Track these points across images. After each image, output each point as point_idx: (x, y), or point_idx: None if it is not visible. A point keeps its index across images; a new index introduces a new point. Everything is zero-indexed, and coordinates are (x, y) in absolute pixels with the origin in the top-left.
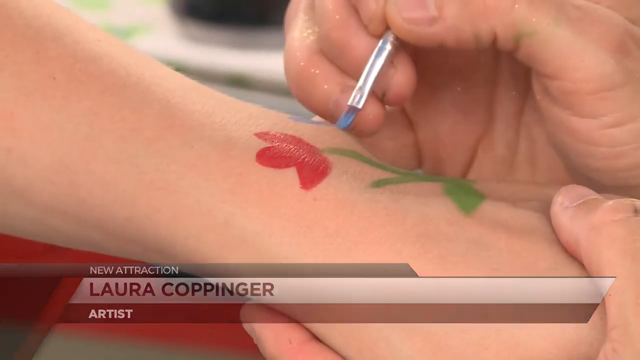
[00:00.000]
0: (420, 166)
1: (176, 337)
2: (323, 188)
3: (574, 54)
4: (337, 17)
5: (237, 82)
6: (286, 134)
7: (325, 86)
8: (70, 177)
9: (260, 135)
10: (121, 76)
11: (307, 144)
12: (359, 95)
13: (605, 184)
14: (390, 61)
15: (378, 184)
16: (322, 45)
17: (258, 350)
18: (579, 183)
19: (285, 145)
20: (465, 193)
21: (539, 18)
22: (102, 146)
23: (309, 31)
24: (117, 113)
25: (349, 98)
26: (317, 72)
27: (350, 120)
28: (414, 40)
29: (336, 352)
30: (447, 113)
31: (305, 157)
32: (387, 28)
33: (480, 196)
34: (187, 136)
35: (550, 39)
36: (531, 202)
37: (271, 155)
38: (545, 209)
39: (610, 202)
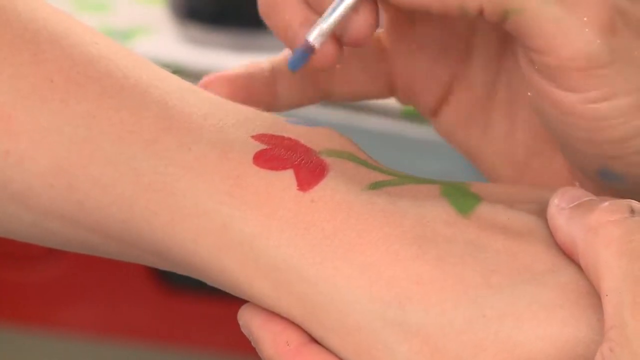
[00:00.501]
0: (391, 95)
1: (174, 338)
2: (320, 190)
3: (561, 33)
4: None
5: None
6: (283, 136)
7: (287, 16)
8: (68, 180)
9: (258, 138)
10: (119, 78)
11: (304, 146)
12: (316, 34)
13: (584, 151)
14: (355, 5)
15: (375, 186)
16: None
17: (256, 352)
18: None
19: (283, 148)
20: (462, 195)
21: None
22: (99, 148)
23: None
24: (114, 115)
25: (307, 32)
26: (283, 0)
27: (305, 59)
28: (399, 3)
29: (334, 355)
30: (425, 47)
31: (303, 159)
32: None
33: (477, 198)
34: (184, 138)
35: (538, 17)
36: (528, 204)
37: (268, 158)
38: (541, 211)
39: (607, 203)
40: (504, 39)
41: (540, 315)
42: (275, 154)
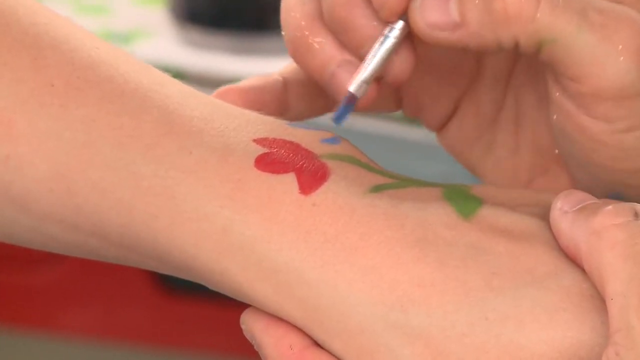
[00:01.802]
0: (398, 109)
1: (174, 341)
2: (322, 193)
3: (596, 62)
4: None
5: None
6: (284, 140)
7: (323, 57)
8: (67, 185)
9: (259, 141)
10: (119, 83)
11: (306, 150)
12: (360, 84)
13: (599, 176)
14: (394, 48)
15: (377, 189)
16: (325, 15)
17: (256, 355)
18: (562, 156)
19: (284, 151)
20: (464, 198)
21: (562, 25)
22: (99, 153)
23: None
24: (115, 120)
25: (345, 73)
26: (317, 40)
27: (350, 110)
28: (437, 43)
29: (337, 358)
30: (436, 64)
31: (304, 163)
32: (398, 17)
33: (479, 201)
34: (185, 142)
35: (572, 47)
36: (530, 207)
37: (270, 161)
38: (544, 214)
39: (610, 207)
40: (513, 58)
41: (542, 319)
42: (276, 157)
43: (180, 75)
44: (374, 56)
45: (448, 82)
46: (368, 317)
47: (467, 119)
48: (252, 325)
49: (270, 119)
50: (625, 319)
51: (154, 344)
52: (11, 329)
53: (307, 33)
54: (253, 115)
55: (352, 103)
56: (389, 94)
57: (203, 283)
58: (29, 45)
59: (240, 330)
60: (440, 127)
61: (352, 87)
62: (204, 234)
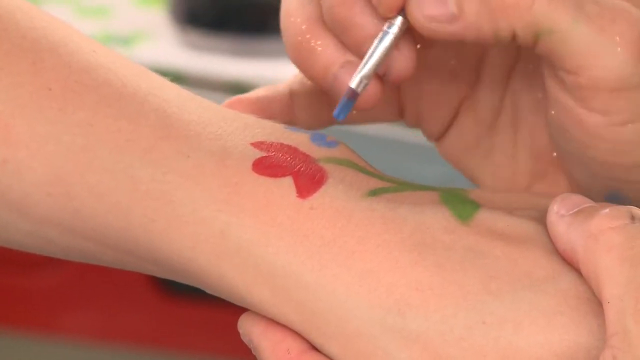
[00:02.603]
0: (400, 119)
1: (174, 344)
2: (319, 197)
3: (593, 53)
4: None
5: (238, 90)
6: (282, 143)
7: (325, 59)
8: (65, 189)
9: (256, 145)
10: (117, 87)
11: (303, 153)
12: (361, 80)
13: (597, 173)
14: (394, 44)
15: (374, 192)
16: (325, 17)
17: (255, 358)
18: (562, 157)
19: (281, 155)
20: (462, 202)
21: (558, 16)
22: (97, 157)
23: None
24: (112, 124)
25: (348, 74)
26: (318, 43)
27: (350, 106)
28: (434, 36)
29: None
30: (434, 72)
31: (301, 167)
32: (397, 12)
33: (476, 205)
34: (182, 146)
35: (569, 38)
36: (527, 210)
37: (267, 165)
38: (541, 218)
39: (607, 210)
40: (512, 60)
41: (540, 322)
42: (274, 161)
43: (180, 77)
44: (374, 52)
45: (447, 89)
46: (366, 320)
47: (466, 126)
48: (250, 329)
49: (268, 123)
50: (622, 322)
51: (153, 346)
52: (13, 332)
53: (308, 36)
54: (251, 118)
55: (352, 99)
56: (391, 102)
57: (201, 287)
58: (27, 49)
59: (239, 334)
60: (440, 136)
61: (352, 83)
62: (201, 238)
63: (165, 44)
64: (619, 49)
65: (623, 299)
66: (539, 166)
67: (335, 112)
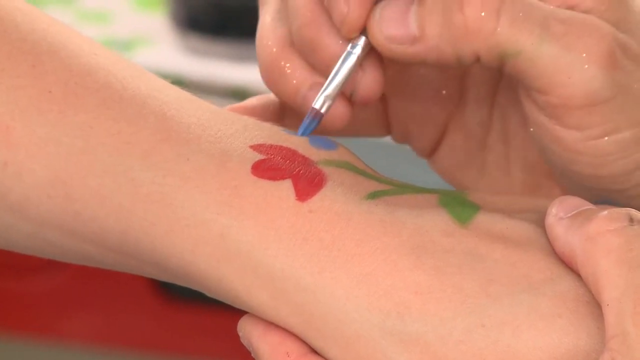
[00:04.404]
0: (388, 134)
1: (174, 348)
2: (318, 200)
3: (561, 71)
4: (309, 14)
5: (238, 95)
6: (281, 146)
7: (295, 81)
8: (66, 191)
9: (256, 148)
10: (117, 89)
11: (302, 156)
12: (324, 100)
13: (585, 186)
14: (359, 64)
15: (373, 195)
16: (294, 38)
17: None
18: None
19: (281, 158)
20: (460, 204)
21: (523, 38)
22: (97, 159)
23: (283, 19)
24: (113, 126)
25: (316, 95)
26: (288, 65)
27: (314, 125)
28: (395, 57)
29: None
30: (419, 90)
31: (301, 170)
32: (359, 32)
33: (475, 207)
34: (182, 149)
35: (535, 58)
36: (526, 213)
37: (267, 168)
38: (539, 220)
39: (605, 212)
40: (496, 76)
41: (539, 325)
42: (273, 164)
43: (180, 82)
44: (337, 72)
45: (432, 107)
46: (365, 324)
47: (456, 144)
48: (250, 332)
49: (267, 125)
50: (621, 325)
51: (154, 351)
52: (12, 336)
53: (278, 59)
54: (250, 121)
55: (316, 118)
56: (378, 119)
57: (201, 289)
58: (27, 51)
59: (239, 337)
60: (430, 153)
61: (316, 103)
62: (201, 241)
63: (166, 49)
64: (586, 65)
65: (622, 301)
66: (533, 178)
67: (300, 131)
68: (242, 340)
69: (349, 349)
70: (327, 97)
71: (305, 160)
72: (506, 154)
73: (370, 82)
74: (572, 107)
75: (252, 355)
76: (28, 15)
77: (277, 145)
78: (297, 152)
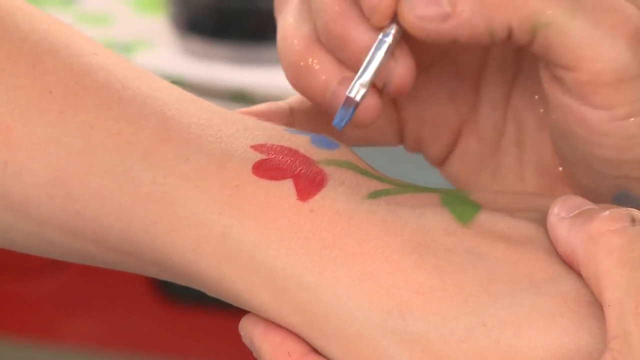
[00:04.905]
0: (400, 143)
1: (175, 350)
2: (320, 199)
3: (591, 45)
4: (337, 8)
5: (238, 98)
6: (282, 146)
7: (323, 77)
8: (66, 191)
9: (257, 148)
10: (117, 89)
11: (303, 156)
12: (359, 88)
13: (605, 173)
14: (391, 53)
15: (375, 195)
16: (320, 35)
17: None
18: (567, 168)
19: (282, 157)
20: (462, 203)
21: (555, 9)
22: (98, 159)
23: (305, 18)
24: (113, 126)
25: (346, 90)
26: (315, 62)
27: (349, 115)
28: (427, 37)
29: None
30: (433, 95)
31: (302, 169)
32: (390, 20)
33: (477, 206)
34: (183, 149)
35: (566, 30)
36: (527, 212)
37: (268, 167)
38: (541, 219)
39: (607, 212)
40: (510, 78)
41: (540, 324)
42: (274, 163)
43: (180, 84)
44: (371, 60)
45: (447, 111)
46: (366, 323)
47: (469, 149)
48: (251, 332)
49: (268, 125)
50: (623, 325)
51: (154, 352)
52: (11, 338)
53: (305, 56)
54: (251, 121)
55: (352, 106)
56: (390, 126)
57: (202, 289)
58: (28, 51)
59: (240, 338)
60: (443, 161)
61: (350, 91)
62: (202, 240)
63: (166, 52)
64: (615, 41)
65: (623, 301)
66: (546, 182)
67: (335, 120)
68: (243, 340)
69: (350, 348)
70: (361, 85)
71: (306, 160)
72: (519, 158)
73: (404, 71)
74: (600, 83)
75: (253, 355)
76: (29, 15)
77: (278, 145)
78: (298, 152)
